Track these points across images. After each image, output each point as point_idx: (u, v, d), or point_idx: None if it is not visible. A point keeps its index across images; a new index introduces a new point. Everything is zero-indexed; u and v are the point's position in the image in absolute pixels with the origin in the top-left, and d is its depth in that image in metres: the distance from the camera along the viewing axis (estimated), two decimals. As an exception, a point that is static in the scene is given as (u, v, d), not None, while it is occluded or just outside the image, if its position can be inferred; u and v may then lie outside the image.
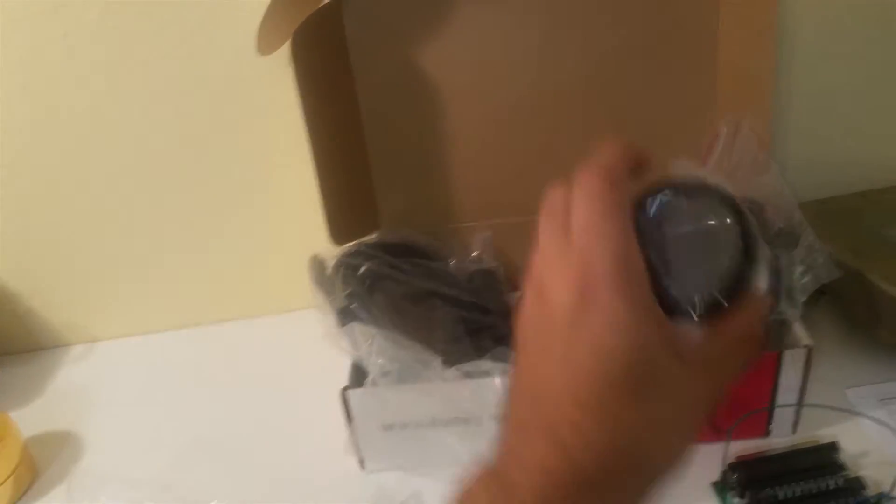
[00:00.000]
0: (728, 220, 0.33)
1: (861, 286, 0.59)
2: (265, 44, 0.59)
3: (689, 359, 0.31)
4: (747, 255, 0.33)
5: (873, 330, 0.61)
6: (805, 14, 0.68)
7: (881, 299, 0.58)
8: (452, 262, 0.69)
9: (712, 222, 0.33)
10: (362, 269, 0.61)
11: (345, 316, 0.57)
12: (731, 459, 0.53)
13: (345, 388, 0.55)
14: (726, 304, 0.33)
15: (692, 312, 0.33)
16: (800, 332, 0.55)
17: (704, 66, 0.67)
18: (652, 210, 0.34)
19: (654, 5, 0.65)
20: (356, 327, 0.55)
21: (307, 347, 0.59)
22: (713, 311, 0.33)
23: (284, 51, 0.59)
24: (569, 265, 0.31)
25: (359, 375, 0.57)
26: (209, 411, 0.70)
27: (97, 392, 0.75)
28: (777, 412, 0.56)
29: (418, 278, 0.64)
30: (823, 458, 0.52)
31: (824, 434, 0.55)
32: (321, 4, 0.63)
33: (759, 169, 0.60)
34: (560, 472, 0.30)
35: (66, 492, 0.64)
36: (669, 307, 0.32)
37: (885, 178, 0.73)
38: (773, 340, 0.55)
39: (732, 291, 0.33)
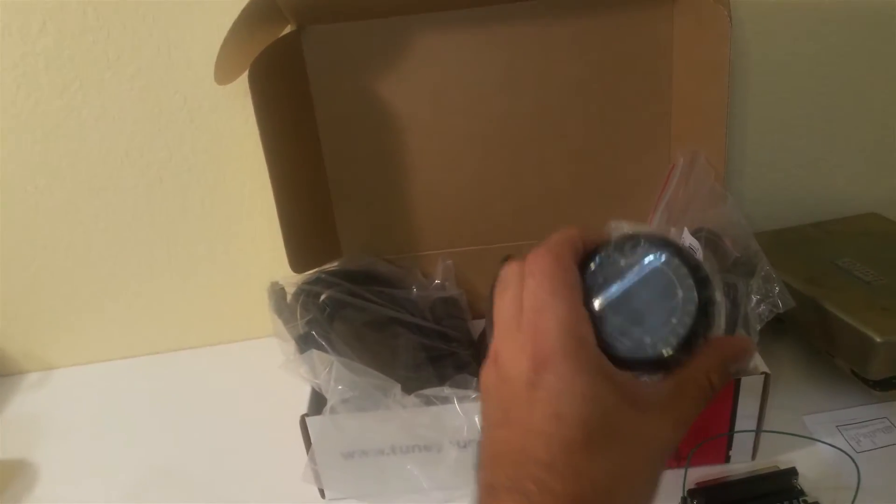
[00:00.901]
0: (665, 262, 0.34)
1: (817, 314, 0.60)
2: (223, 74, 0.59)
3: (644, 406, 0.33)
4: (698, 295, 0.34)
5: (830, 357, 0.61)
6: (758, 50, 0.70)
7: (837, 327, 0.58)
8: (414, 290, 0.69)
9: (649, 269, 0.34)
10: (323, 297, 0.60)
11: (304, 343, 0.56)
12: (690, 485, 0.53)
13: (304, 416, 0.54)
14: (680, 347, 0.33)
15: (643, 360, 0.34)
16: (757, 359, 0.55)
17: (660, 99, 0.68)
18: (597, 270, 0.35)
19: (611, 40, 0.66)
20: (315, 354, 0.54)
21: (267, 375, 0.58)
22: (668, 356, 0.34)
23: (243, 80, 0.59)
24: (522, 339, 0.33)
25: (318, 403, 0.56)
26: (166, 439, 0.69)
27: (52, 420, 0.74)
28: (736, 438, 0.56)
29: (380, 306, 0.63)
30: (783, 484, 0.53)
31: (783, 460, 0.56)
32: (279, 35, 0.63)
33: (715, 200, 0.60)
34: None
35: (18, 522, 0.62)
36: (622, 359, 0.34)
37: (839, 208, 0.75)
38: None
39: (685, 332, 0.34)
